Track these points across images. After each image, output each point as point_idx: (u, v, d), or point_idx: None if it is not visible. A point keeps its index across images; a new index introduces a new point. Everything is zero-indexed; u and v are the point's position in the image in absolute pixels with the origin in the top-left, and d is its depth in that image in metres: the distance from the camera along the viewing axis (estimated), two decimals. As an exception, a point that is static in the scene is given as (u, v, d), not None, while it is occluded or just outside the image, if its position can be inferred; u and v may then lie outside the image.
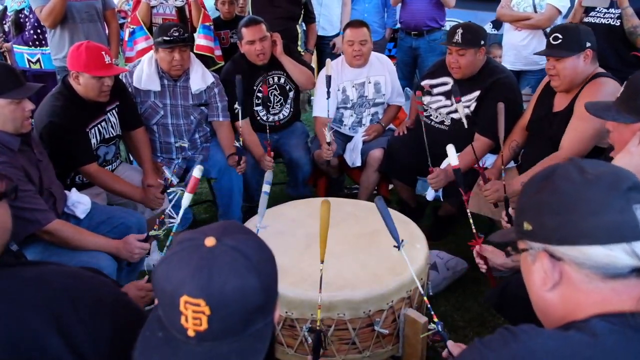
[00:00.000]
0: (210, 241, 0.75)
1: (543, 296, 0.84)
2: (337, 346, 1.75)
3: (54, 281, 1.03)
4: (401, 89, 3.22)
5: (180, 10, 3.28)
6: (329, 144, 2.76)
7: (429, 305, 1.62)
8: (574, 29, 2.18)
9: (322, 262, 1.60)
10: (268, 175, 1.90)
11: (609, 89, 2.12)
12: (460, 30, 2.55)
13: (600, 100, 1.83)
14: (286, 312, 1.71)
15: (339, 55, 4.03)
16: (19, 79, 1.88)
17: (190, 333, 0.73)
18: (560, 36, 2.15)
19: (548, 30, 3.39)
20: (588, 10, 2.99)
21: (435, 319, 1.57)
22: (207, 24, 3.30)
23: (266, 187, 1.84)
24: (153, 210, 2.59)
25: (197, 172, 1.91)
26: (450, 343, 1.41)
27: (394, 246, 1.58)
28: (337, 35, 4.14)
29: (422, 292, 1.66)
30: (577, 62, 2.15)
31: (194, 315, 0.72)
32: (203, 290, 0.71)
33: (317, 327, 1.58)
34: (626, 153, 1.48)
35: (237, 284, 0.73)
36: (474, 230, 1.94)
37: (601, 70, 2.23)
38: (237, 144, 2.76)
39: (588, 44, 2.14)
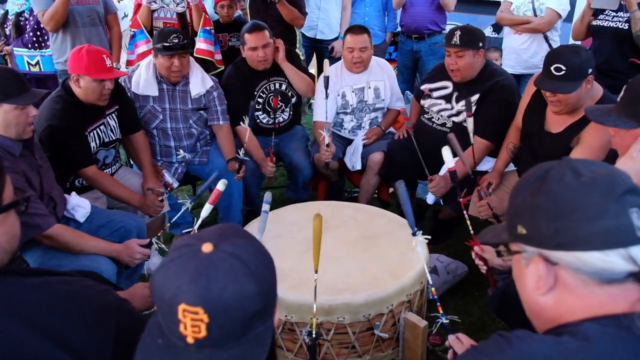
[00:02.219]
0: (207, 247, 0.75)
1: (536, 300, 0.83)
2: (337, 350, 1.75)
3: (58, 289, 1.03)
4: (401, 94, 3.22)
5: (181, 14, 3.29)
6: (327, 145, 2.76)
7: (435, 297, 1.63)
8: (576, 57, 2.04)
9: (316, 271, 1.62)
10: (267, 196, 1.93)
11: None
12: (458, 32, 2.55)
13: (601, 105, 1.81)
14: (286, 316, 1.71)
15: (339, 59, 4.05)
16: (24, 85, 1.89)
17: (190, 340, 0.73)
18: (562, 67, 2.01)
19: (548, 33, 3.42)
20: (596, 13, 2.99)
21: (441, 311, 1.57)
22: (208, 28, 3.30)
23: (266, 207, 1.88)
24: (151, 217, 2.59)
25: (221, 185, 1.94)
26: (451, 337, 1.42)
27: (412, 233, 1.72)
28: (335, 39, 4.14)
29: (430, 281, 1.73)
30: (580, 91, 2.06)
31: (192, 323, 0.72)
32: (201, 298, 0.71)
33: (313, 336, 1.58)
34: (628, 158, 1.47)
35: (235, 291, 0.72)
36: (472, 231, 1.94)
37: (599, 92, 2.14)
38: (239, 154, 2.74)
39: (590, 70, 2.04)
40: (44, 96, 2.04)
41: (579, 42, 3.19)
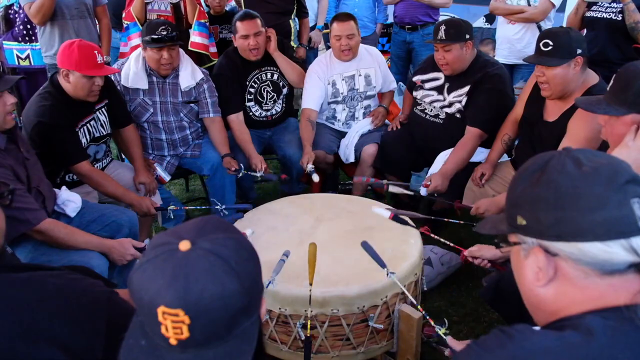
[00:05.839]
0: (184, 245, 0.71)
1: (536, 292, 0.81)
2: (331, 342, 1.74)
3: (47, 283, 1.02)
4: (392, 75, 3.21)
5: (175, 6, 3.25)
6: (309, 173, 2.70)
7: (424, 313, 1.63)
8: (565, 35, 2.09)
9: (310, 284, 1.62)
10: (287, 252, 1.86)
11: None
12: (443, 27, 2.55)
13: (590, 96, 1.81)
14: (279, 309, 1.70)
15: (316, 49, 4.04)
16: None
17: (172, 342, 0.70)
18: (550, 42, 2.06)
19: (541, 23, 3.41)
20: (590, 4, 3.00)
21: (432, 322, 1.58)
22: (203, 21, 3.27)
23: (284, 257, 1.82)
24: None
25: (248, 232, 1.87)
26: (450, 339, 1.41)
27: (387, 273, 1.68)
28: (312, 28, 4.09)
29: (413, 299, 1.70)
30: (568, 70, 2.07)
31: (173, 325, 0.69)
32: (180, 300, 0.68)
33: (307, 335, 1.58)
34: (623, 147, 1.47)
35: (216, 291, 0.69)
36: (451, 245, 2.01)
37: (594, 80, 2.15)
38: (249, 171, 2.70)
39: (579, 51, 2.06)
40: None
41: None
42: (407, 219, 2.02)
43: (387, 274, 1.67)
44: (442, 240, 2.05)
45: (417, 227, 2.05)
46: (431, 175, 2.57)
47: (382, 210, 2.05)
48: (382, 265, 1.67)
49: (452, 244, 2.04)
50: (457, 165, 2.56)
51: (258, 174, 2.71)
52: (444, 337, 1.50)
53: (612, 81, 1.60)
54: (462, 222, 2.26)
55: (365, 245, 1.71)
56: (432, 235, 2.09)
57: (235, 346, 0.73)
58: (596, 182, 0.75)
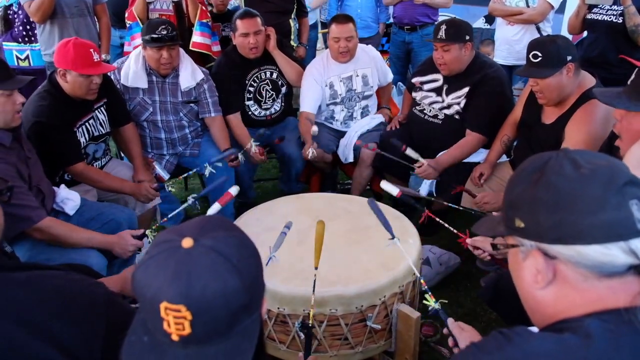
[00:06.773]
0: (187, 242, 0.72)
1: (534, 294, 0.81)
2: (330, 342, 1.74)
3: (46, 283, 1.02)
4: (387, 67, 3.21)
5: (177, 5, 3.24)
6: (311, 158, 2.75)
7: (425, 287, 1.62)
8: (552, 44, 2.10)
9: (316, 267, 1.61)
10: (290, 223, 1.88)
11: (602, 112, 2.07)
12: (443, 27, 2.56)
13: (610, 88, 1.80)
14: (278, 308, 1.70)
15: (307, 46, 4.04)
16: (8, 71, 1.85)
17: (174, 338, 0.71)
18: (539, 54, 2.08)
19: (540, 24, 3.41)
20: (591, 7, 3.01)
21: (433, 299, 1.56)
22: (205, 20, 3.26)
23: (285, 230, 1.83)
24: (144, 205, 2.56)
25: (233, 190, 1.98)
26: (450, 321, 1.41)
27: (389, 239, 1.67)
28: (312, 27, 4.09)
29: (418, 274, 1.71)
30: (560, 78, 2.09)
31: (175, 320, 0.70)
32: (182, 296, 0.70)
33: (309, 324, 1.57)
34: None
35: (218, 287, 0.71)
36: (455, 231, 1.95)
37: (591, 82, 2.15)
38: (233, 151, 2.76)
39: (569, 57, 2.07)
40: (30, 86, 1.99)
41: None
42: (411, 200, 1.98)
43: (393, 238, 1.69)
44: (445, 224, 1.99)
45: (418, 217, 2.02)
46: (425, 160, 2.59)
47: (391, 187, 1.99)
48: (392, 234, 1.67)
49: (454, 230, 1.97)
50: (451, 161, 2.57)
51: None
52: (443, 314, 1.49)
53: (633, 75, 1.58)
54: (474, 211, 2.23)
55: (372, 204, 1.70)
56: (437, 219, 2.03)
57: (237, 343, 0.74)
58: (595, 184, 0.74)
